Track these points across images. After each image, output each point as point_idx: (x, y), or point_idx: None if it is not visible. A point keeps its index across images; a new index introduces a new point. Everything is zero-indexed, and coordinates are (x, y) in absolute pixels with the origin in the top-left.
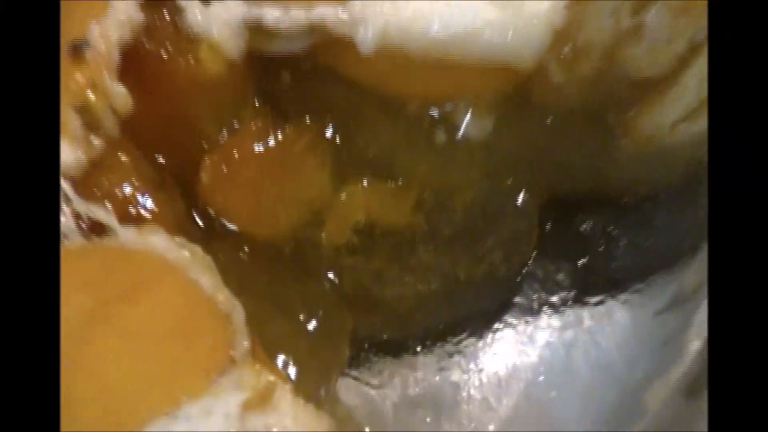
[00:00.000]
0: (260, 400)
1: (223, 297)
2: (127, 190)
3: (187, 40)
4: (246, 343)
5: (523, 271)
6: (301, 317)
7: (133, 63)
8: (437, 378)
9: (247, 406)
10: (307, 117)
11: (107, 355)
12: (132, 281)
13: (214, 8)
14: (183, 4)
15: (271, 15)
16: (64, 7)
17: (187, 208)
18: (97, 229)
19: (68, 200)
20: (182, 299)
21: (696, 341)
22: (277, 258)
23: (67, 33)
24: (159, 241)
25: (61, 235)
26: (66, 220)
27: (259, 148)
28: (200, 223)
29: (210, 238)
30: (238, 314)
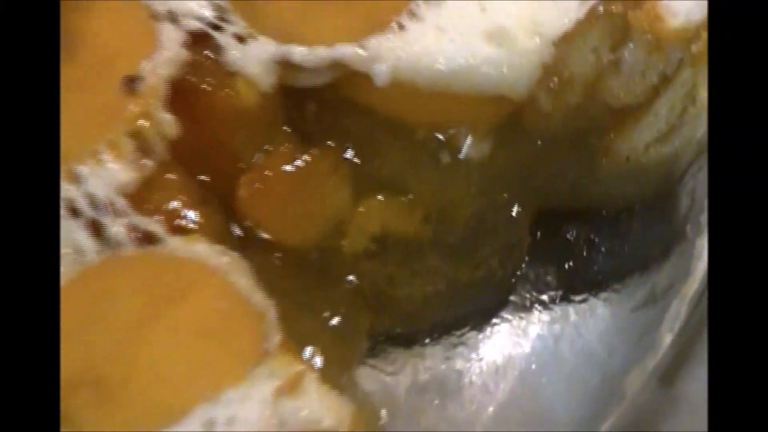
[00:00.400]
0: (290, 387)
1: (258, 298)
2: (175, 205)
3: (227, 74)
4: (277, 338)
5: (517, 274)
6: (325, 315)
7: (180, 94)
8: (443, 366)
9: (279, 392)
10: (330, 141)
11: (158, 349)
12: (179, 284)
13: (250, 47)
14: (223, 43)
15: (299, 53)
16: (117, 43)
17: (226, 221)
18: (148, 239)
19: (124, 214)
20: (222, 300)
21: (668, 335)
22: (304, 263)
23: (121, 69)
24: (202, 250)
25: (117, 245)
26: (121, 231)
27: (288, 168)
28: (238, 233)
29: (246, 246)
30: (271, 313)
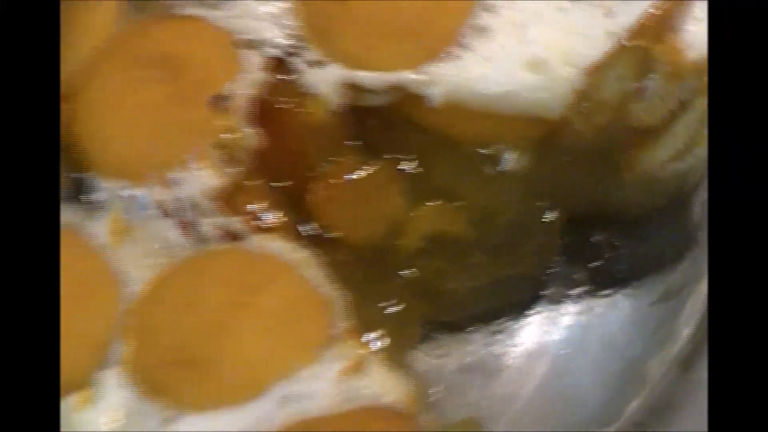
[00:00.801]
0: (355, 368)
1: (327, 289)
2: (255, 207)
3: (301, 94)
4: (344, 324)
5: (549, 272)
6: (384, 304)
7: (260, 111)
8: (484, 351)
9: (345, 372)
10: (388, 154)
11: (242, 333)
12: (260, 277)
13: (321, 72)
14: (298, 68)
15: (364, 77)
16: (207, 67)
17: (299, 221)
18: (233, 237)
19: (211, 215)
20: (296, 291)
21: (685, 327)
22: (366, 259)
23: (209, 88)
24: (279, 247)
25: (206, 241)
26: (209, 230)
27: (352, 177)
28: (309, 232)
29: (317, 244)
30: (338, 302)
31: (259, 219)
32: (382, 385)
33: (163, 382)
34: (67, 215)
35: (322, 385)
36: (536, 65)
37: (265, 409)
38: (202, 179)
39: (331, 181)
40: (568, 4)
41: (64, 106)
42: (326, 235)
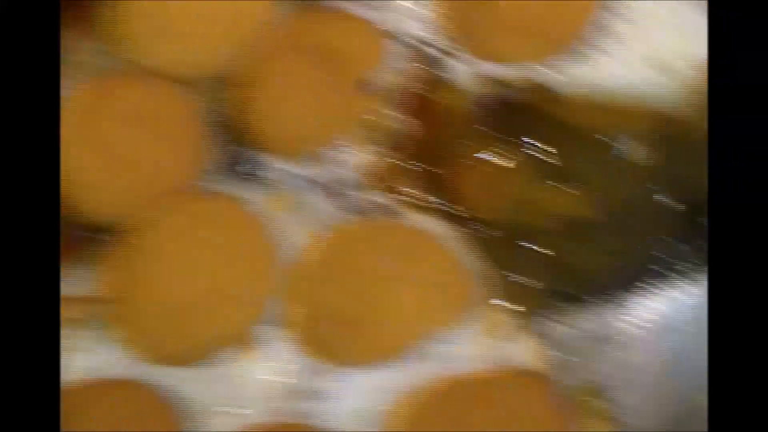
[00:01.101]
0: (491, 330)
1: (468, 260)
2: (400, 186)
3: (441, 84)
4: (483, 291)
5: (659, 249)
6: (516, 276)
7: (404, 97)
8: (604, 321)
9: (483, 334)
10: (518, 139)
11: (395, 298)
12: (412, 248)
13: (457, 62)
14: (440, 59)
15: (497, 69)
16: (353, 54)
17: (441, 200)
18: (384, 211)
19: (360, 189)
20: (443, 261)
21: None
22: (502, 235)
23: (354, 72)
24: (426, 222)
25: (359, 215)
26: (360, 204)
27: (486, 160)
28: (452, 211)
29: (458, 220)
30: (477, 273)
31: (406, 196)
32: (520, 348)
33: (323, 339)
34: (230, 186)
35: (462, 345)
36: (654, 62)
37: (413, 366)
38: (352, 157)
39: (468, 164)
40: (681, 4)
41: (236, 91)
42: (467, 213)
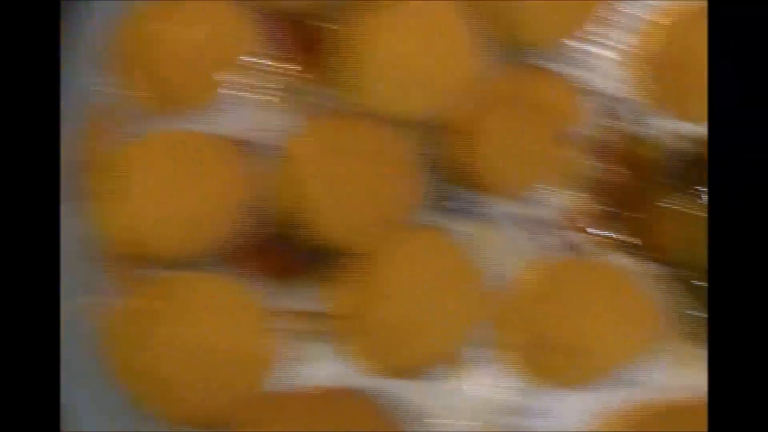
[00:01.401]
0: (676, 363)
1: (652, 293)
2: (600, 228)
3: (631, 138)
4: (667, 325)
5: None
6: (693, 311)
7: (604, 149)
8: None
9: (668, 366)
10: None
11: (595, 327)
12: (611, 284)
13: (651, 120)
14: (629, 116)
15: (686, 128)
16: (552, 104)
17: (631, 240)
18: (577, 248)
19: (562, 228)
20: (631, 296)
21: None
22: (677, 274)
23: (555, 124)
24: (622, 260)
25: (561, 251)
26: (560, 241)
27: (666, 206)
28: (640, 251)
29: (644, 259)
30: (662, 307)
31: (599, 236)
32: (697, 378)
33: (532, 361)
34: (443, 220)
35: (654, 374)
36: None
37: (609, 391)
38: (555, 199)
39: (658, 210)
40: None
41: (450, 135)
42: (650, 253)
